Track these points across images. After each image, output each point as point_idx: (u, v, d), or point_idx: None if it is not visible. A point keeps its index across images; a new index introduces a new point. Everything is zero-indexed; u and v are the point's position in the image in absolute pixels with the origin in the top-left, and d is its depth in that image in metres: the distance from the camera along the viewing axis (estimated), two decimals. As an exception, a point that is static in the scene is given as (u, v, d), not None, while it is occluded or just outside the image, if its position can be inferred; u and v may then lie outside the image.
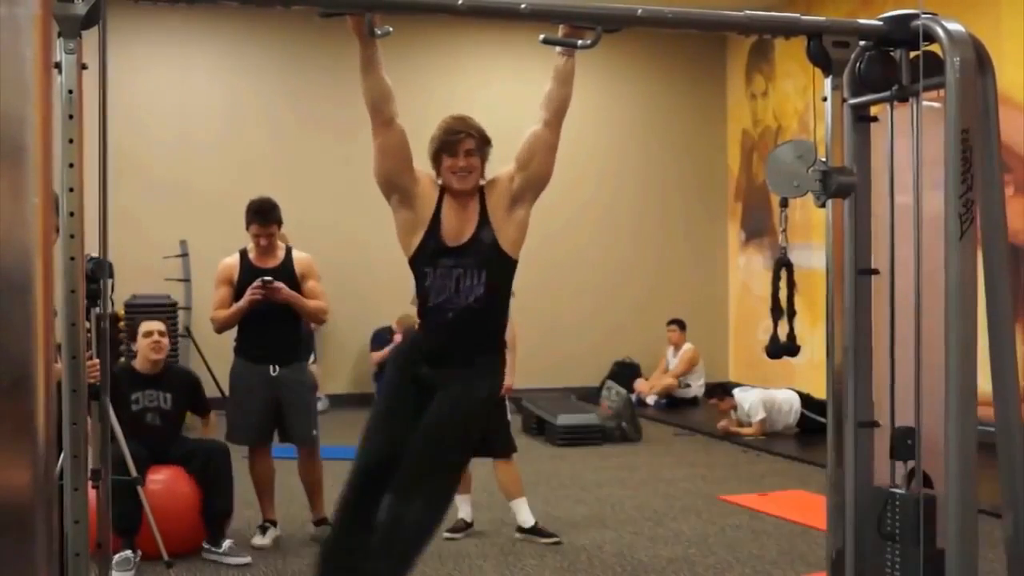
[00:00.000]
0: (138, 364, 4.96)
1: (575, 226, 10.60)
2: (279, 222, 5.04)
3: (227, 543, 4.76)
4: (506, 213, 3.41)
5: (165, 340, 4.97)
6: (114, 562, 4.19)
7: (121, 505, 4.13)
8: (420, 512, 3.24)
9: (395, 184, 3.40)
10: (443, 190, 3.43)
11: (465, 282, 3.35)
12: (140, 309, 8.28)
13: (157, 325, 4.99)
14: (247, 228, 5.00)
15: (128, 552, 4.47)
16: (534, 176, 3.42)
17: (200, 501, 4.80)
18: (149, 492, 4.47)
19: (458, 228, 3.39)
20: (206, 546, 4.76)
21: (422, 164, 3.46)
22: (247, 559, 4.73)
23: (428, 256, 3.37)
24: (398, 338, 9.08)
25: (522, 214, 3.43)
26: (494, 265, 3.38)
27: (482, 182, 3.46)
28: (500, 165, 3.51)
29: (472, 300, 3.34)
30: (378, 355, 9.97)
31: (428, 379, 3.34)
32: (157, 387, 4.92)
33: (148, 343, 4.91)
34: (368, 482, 3.30)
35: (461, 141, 3.40)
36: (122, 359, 5.99)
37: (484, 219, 3.39)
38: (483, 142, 3.46)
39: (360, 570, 3.26)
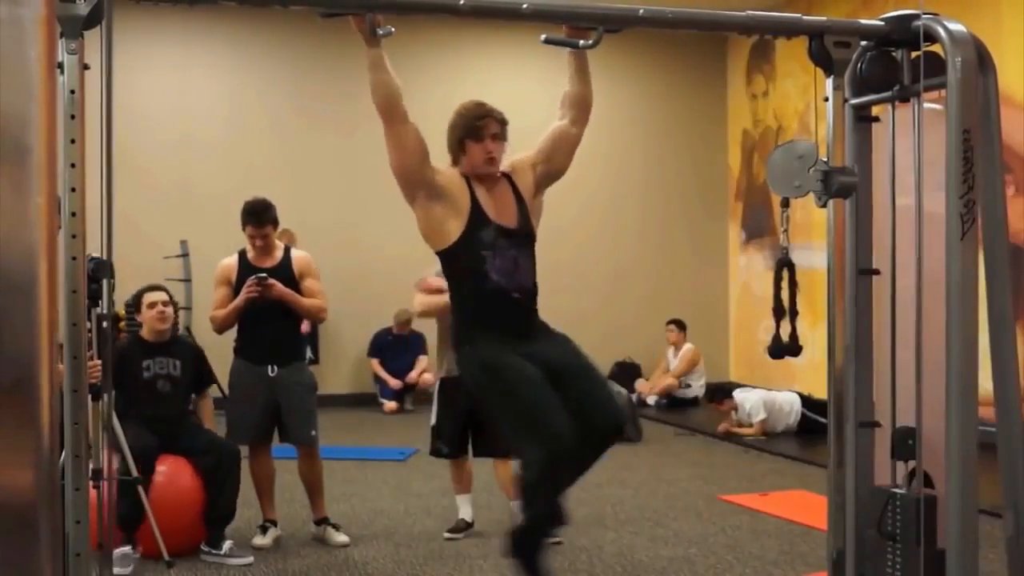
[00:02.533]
0: (145, 334, 5.02)
1: (576, 226, 10.58)
2: (274, 222, 5.06)
3: (227, 544, 4.73)
4: (532, 199, 3.51)
5: (169, 309, 5.04)
6: (113, 557, 4.19)
7: (124, 499, 4.17)
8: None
9: (418, 179, 3.38)
10: (467, 178, 3.45)
11: (522, 263, 3.41)
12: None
13: (160, 296, 5.04)
14: (243, 229, 5.05)
15: (128, 548, 4.46)
16: (555, 169, 3.55)
17: (203, 500, 4.78)
18: (153, 485, 4.51)
19: (502, 211, 3.43)
20: (205, 548, 4.72)
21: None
22: (249, 559, 4.71)
23: (483, 239, 3.36)
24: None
25: (541, 200, 3.55)
26: (534, 248, 3.48)
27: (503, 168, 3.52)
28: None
29: (531, 283, 3.44)
30: (388, 377, 9.88)
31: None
32: (166, 354, 4.98)
33: (154, 314, 4.97)
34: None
35: (487, 125, 3.44)
36: (123, 330, 6.00)
37: (521, 203, 3.47)
38: (504, 124, 3.52)
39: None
